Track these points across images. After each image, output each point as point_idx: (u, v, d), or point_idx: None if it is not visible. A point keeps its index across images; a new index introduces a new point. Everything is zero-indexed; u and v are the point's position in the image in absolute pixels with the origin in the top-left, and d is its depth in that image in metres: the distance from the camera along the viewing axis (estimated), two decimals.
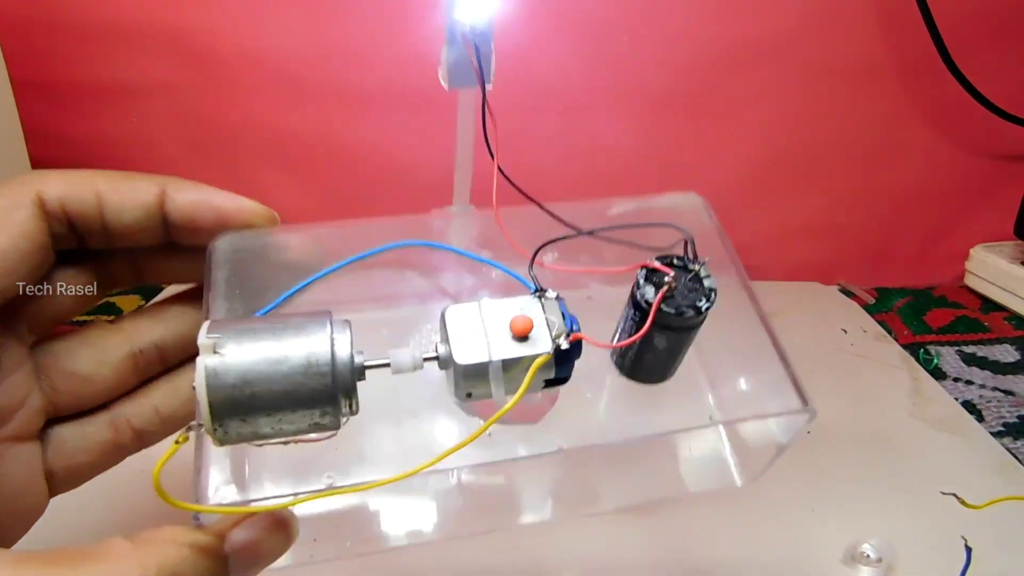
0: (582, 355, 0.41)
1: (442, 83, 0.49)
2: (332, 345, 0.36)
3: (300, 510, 0.38)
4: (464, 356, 0.39)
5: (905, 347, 0.94)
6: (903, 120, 1.09)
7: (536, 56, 1.00)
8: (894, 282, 1.14)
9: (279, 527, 0.38)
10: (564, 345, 0.39)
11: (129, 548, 0.33)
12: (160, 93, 1.07)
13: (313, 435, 0.38)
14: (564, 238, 0.46)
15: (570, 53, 1.07)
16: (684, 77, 1.08)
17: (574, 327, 0.40)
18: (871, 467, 0.69)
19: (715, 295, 0.43)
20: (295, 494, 0.36)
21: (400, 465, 0.36)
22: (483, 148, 0.50)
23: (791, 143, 1.12)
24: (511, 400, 0.38)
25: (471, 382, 0.39)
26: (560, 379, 0.40)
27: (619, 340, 0.45)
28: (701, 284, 0.43)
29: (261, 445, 0.38)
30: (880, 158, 1.14)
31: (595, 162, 1.13)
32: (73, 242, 0.42)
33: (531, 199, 0.46)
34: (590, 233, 0.46)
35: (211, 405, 0.35)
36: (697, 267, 0.43)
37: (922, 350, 0.94)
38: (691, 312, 0.42)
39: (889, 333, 0.97)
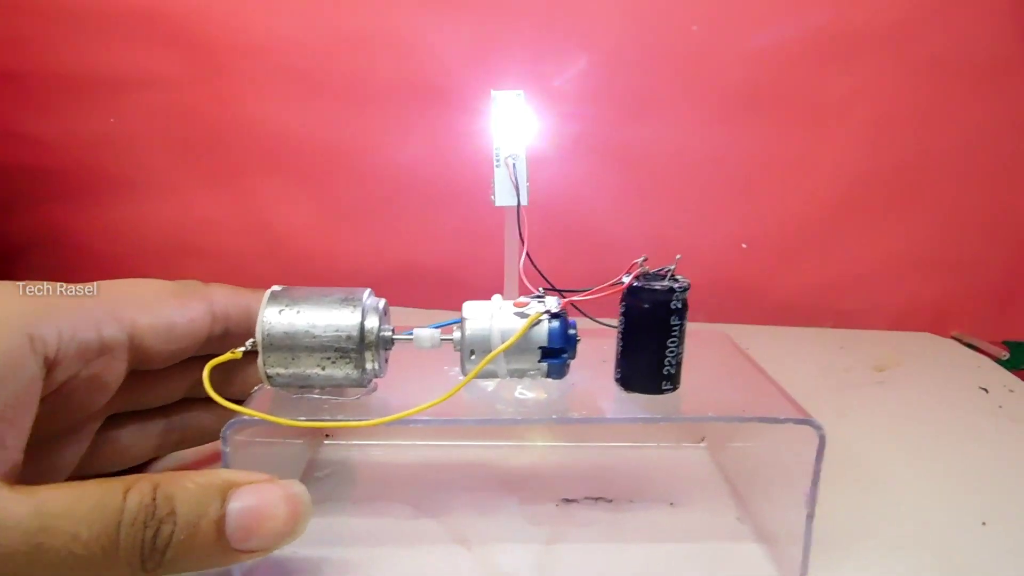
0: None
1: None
2: (362, 316, 0.47)
3: None
4: (471, 322, 0.48)
5: None
6: None
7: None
8: None
9: (288, 501, 0.41)
10: (554, 309, 0.48)
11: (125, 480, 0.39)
12: (145, 88, 0.97)
13: (346, 388, 0.49)
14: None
15: (629, 45, 0.90)
16: (766, 73, 0.90)
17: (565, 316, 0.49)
18: None
19: (687, 286, 0.49)
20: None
21: None
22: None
23: (897, 154, 0.94)
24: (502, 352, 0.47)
25: (474, 342, 0.47)
26: (556, 354, 0.48)
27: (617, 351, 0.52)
28: (676, 280, 0.50)
29: (304, 395, 0.49)
30: (1008, 175, 0.92)
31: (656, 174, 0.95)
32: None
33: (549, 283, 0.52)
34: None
35: (263, 347, 0.46)
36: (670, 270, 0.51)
37: None
38: (661, 287, 0.49)
39: None
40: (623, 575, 0.50)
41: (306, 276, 1.09)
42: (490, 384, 0.50)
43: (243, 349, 0.47)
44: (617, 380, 0.50)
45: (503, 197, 0.63)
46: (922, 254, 1.00)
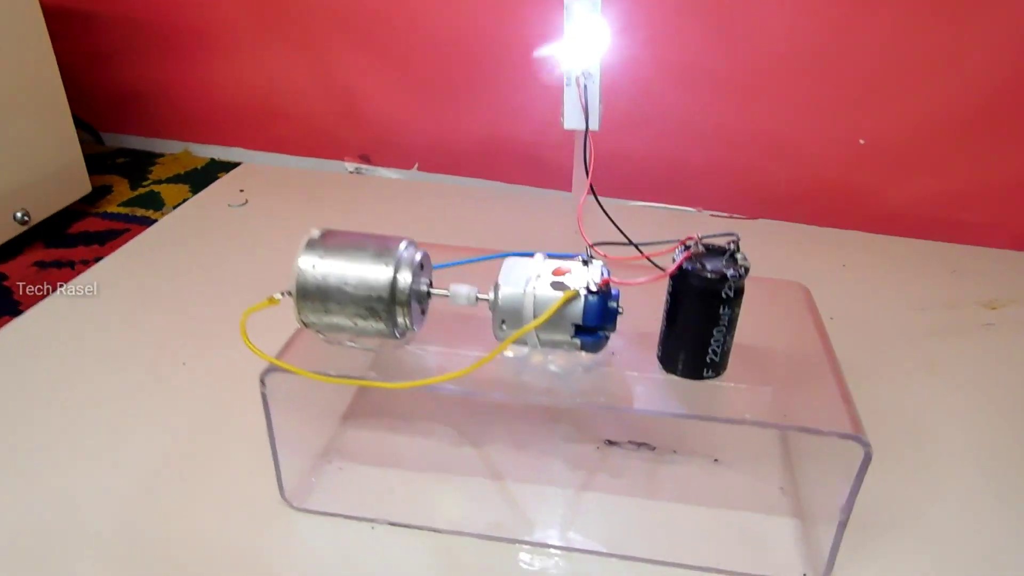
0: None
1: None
2: (394, 272, 0.45)
3: None
4: (505, 287, 0.45)
5: None
6: None
7: None
8: None
9: None
10: (592, 287, 0.43)
11: None
12: None
13: (377, 340, 0.47)
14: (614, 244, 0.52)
15: None
16: None
17: (609, 284, 0.44)
18: None
19: (746, 270, 0.43)
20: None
21: None
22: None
23: None
24: (535, 330, 0.45)
25: (506, 311, 0.45)
26: (591, 331, 0.44)
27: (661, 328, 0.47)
28: (735, 262, 0.44)
29: (339, 343, 0.49)
30: None
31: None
32: None
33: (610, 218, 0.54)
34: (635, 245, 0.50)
35: (297, 296, 0.46)
36: (731, 248, 0.44)
37: None
38: (713, 275, 0.43)
39: None
40: (645, 531, 0.50)
41: (386, 144, 1.07)
42: (523, 351, 0.47)
43: (279, 297, 0.46)
44: (659, 357, 0.47)
45: (572, 119, 0.57)
46: None
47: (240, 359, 0.45)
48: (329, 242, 0.46)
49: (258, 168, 1.11)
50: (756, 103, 0.92)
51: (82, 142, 0.94)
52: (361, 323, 0.46)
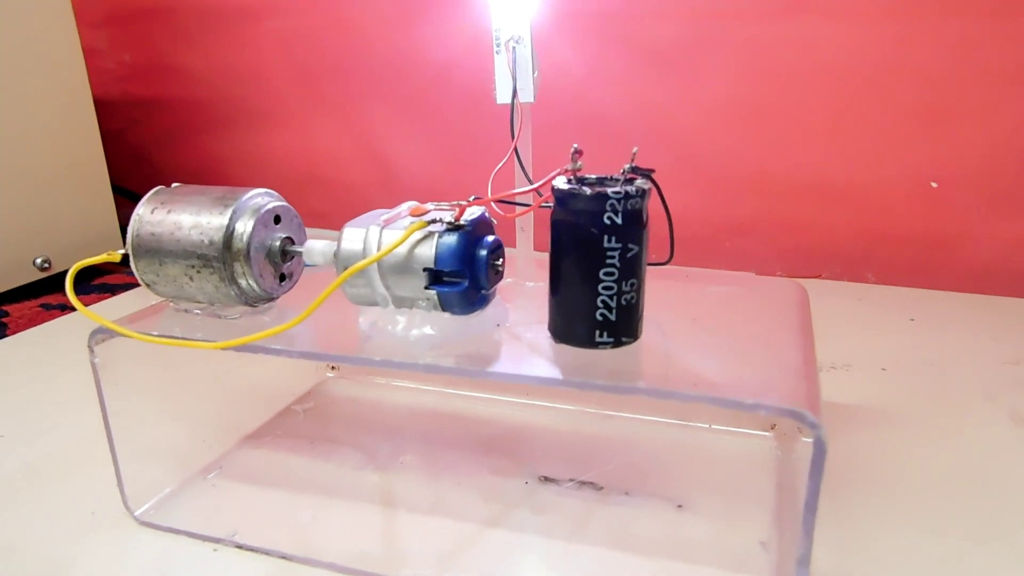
0: None
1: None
2: (232, 220, 0.38)
3: None
4: (349, 228, 0.37)
5: None
6: None
7: None
8: None
9: None
10: (448, 218, 0.35)
11: None
12: (271, 15, 1.02)
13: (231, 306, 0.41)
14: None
15: None
16: None
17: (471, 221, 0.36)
18: None
19: (641, 192, 0.33)
20: None
21: None
22: None
23: None
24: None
25: (348, 257, 0.37)
26: (450, 280, 0.35)
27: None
28: (631, 183, 0.33)
29: (187, 309, 0.42)
30: None
31: None
32: None
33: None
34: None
35: (132, 249, 0.40)
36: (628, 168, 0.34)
37: None
38: (591, 192, 0.32)
39: None
40: None
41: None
42: (372, 312, 0.38)
43: (121, 252, 0.41)
44: (549, 327, 0.36)
45: (505, 92, 0.51)
46: None
47: None
48: (176, 191, 0.41)
49: None
50: (803, 143, 0.81)
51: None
52: (197, 278, 0.39)
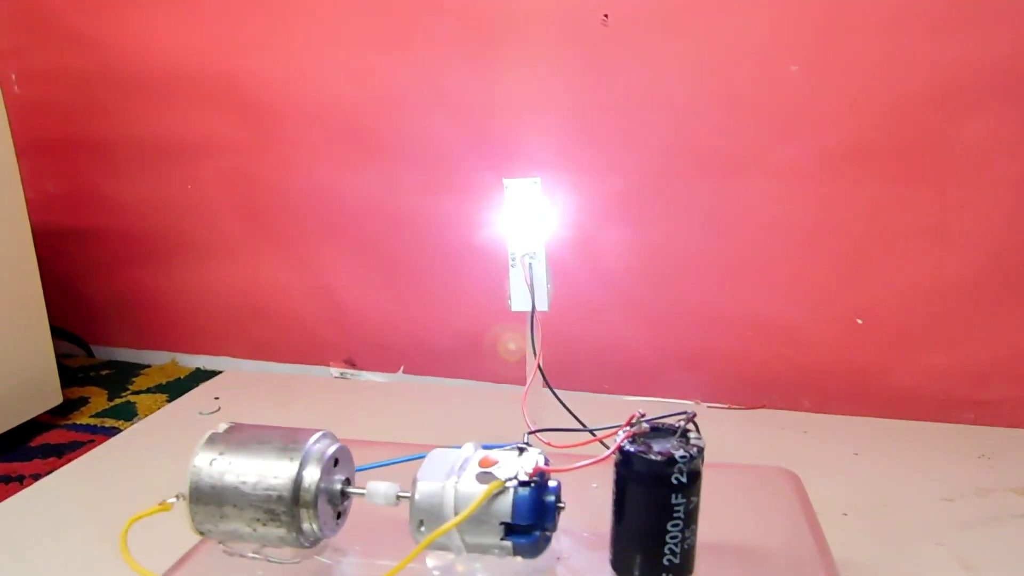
0: None
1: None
2: (300, 469, 0.40)
3: None
4: (423, 482, 0.39)
5: None
6: None
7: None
8: None
9: None
10: (522, 476, 0.38)
11: None
12: (216, 154, 1.02)
13: (283, 548, 0.41)
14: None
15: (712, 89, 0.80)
16: (882, 122, 0.75)
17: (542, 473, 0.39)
18: None
19: (699, 451, 0.37)
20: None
21: None
22: None
23: None
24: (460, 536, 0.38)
25: (424, 510, 0.39)
26: (525, 531, 0.38)
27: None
28: (687, 441, 0.38)
29: (238, 554, 0.42)
30: None
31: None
32: None
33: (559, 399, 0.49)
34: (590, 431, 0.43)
35: (191, 500, 0.40)
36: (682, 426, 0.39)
37: None
38: (659, 457, 0.36)
39: None
40: None
41: (368, 344, 1.05)
42: (447, 558, 0.40)
43: (172, 501, 0.41)
44: (611, 562, 0.39)
45: (520, 301, 0.54)
46: None
47: None
48: (233, 436, 0.42)
49: (240, 375, 1.09)
50: (743, 285, 0.89)
51: (70, 355, 0.93)
52: (261, 529, 0.40)
